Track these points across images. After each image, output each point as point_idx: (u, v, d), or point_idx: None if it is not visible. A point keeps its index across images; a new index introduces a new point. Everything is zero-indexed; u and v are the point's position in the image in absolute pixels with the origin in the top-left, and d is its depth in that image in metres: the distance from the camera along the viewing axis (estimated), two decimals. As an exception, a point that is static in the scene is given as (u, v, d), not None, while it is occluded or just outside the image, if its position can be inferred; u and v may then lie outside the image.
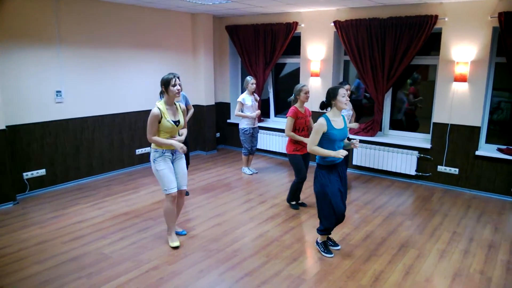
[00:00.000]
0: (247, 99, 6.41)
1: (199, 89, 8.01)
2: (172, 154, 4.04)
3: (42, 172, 5.79)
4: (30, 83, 5.54)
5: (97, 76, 6.31)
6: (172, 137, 3.99)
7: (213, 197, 5.62)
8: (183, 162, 4.17)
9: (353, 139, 4.02)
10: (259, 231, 4.55)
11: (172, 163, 4.07)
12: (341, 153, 3.57)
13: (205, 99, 8.03)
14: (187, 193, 5.67)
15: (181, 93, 5.27)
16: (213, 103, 8.24)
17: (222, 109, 8.59)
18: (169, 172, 3.99)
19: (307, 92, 4.90)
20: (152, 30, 7.05)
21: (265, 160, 7.73)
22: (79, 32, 5.99)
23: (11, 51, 5.30)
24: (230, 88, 8.45)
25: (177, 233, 4.38)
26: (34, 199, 5.51)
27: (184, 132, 4.21)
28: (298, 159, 4.99)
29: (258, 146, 7.94)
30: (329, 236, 4.15)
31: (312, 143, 3.71)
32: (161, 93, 3.98)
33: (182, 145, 3.91)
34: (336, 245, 4.15)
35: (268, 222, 4.80)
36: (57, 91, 5.82)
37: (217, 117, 8.47)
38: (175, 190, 4.04)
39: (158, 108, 3.88)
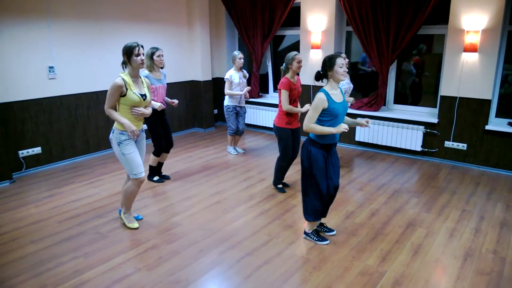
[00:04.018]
0: (235, 76, 6.01)
1: (195, 64, 7.77)
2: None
3: (37, 150, 5.67)
4: (21, 59, 5.34)
5: (90, 51, 6.09)
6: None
7: (212, 175, 5.48)
8: (144, 141, 3.90)
9: (363, 118, 3.66)
10: (259, 209, 4.42)
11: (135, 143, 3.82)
12: (343, 127, 3.28)
13: (202, 74, 7.79)
14: (168, 177, 5.36)
15: (162, 71, 5.00)
16: (210, 79, 8.01)
17: (220, 85, 8.31)
18: (136, 155, 3.72)
19: (300, 61, 4.47)
20: (146, 2, 6.77)
21: (264, 137, 7.56)
22: (70, 5, 5.74)
23: (0, 26, 5.08)
24: (227, 63, 8.18)
25: (139, 217, 4.21)
26: (30, 178, 5.41)
27: (149, 110, 3.84)
28: (288, 134, 4.62)
29: (257, 123, 7.81)
30: (322, 222, 3.90)
31: (310, 121, 3.33)
32: (124, 63, 3.62)
33: (134, 128, 3.58)
34: (331, 230, 3.87)
35: (269, 200, 4.66)
36: (50, 67, 5.63)
37: (214, 93, 8.23)
38: (144, 174, 3.79)
39: (122, 78, 3.53)
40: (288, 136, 4.64)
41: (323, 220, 3.96)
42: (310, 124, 3.34)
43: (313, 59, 6.81)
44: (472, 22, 5.31)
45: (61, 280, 3.14)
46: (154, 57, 4.78)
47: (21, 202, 4.63)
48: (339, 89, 3.48)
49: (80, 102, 6.07)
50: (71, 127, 6.02)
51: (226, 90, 6.04)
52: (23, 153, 5.51)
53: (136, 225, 3.98)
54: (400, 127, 6.14)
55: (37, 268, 3.31)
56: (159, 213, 4.34)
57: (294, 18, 7.12)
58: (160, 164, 5.28)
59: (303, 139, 5.00)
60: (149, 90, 3.83)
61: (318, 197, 3.53)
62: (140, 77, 3.75)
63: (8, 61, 5.21)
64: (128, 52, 3.53)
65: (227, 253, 3.52)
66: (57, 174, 5.53)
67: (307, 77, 6.73)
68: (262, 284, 3.09)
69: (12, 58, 5.25)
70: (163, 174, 5.40)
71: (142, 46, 3.60)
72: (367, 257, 3.46)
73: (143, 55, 3.60)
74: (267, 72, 8.03)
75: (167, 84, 5.24)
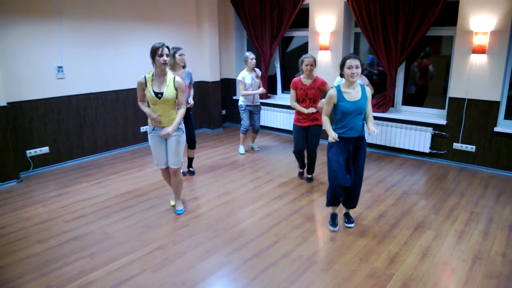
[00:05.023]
0: (247, 77, 6.08)
1: (203, 64, 7.78)
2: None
3: (45, 149, 5.69)
4: (30, 58, 5.38)
5: (99, 51, 6.12)
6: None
7: (220, 176, 5.47)
8: (172, 139, 4.01)
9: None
10: (267, 210, 4.40)
11: (165, 140, 4.07)
12: (332, 137, 3.46)
13: (210, 75, 7.80)
14: (193, 172, 5.53)
15: (186, 69, 5.08)
16: (219, 79, 8.01)
17: (228, 85, 8.35)
18: (154, 148, 4.08)
19: (307, 64, 4.69)
20: (155, 2, 6.79)
21: (272, 137, 7.54)
22: (80, 5, 5.77)
23: (10, 26, 5.13)
24: (236, 64, 8.18)
25: (176, 212, 4.35)
26: (37, 177, 5.43)
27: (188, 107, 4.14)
28: (296, 130, 5.00)
29: (265, 124, 7.79)
30: (347, 212, 4.06)
31: (324, 112, 3.72)
32: (152, 63, 3.83)
33: (154, 116, 3.86)
34: (350, 222, 4.01)
35: (277, 201, 4.65)
36: (59, 67, 5.66)
37: (222, 94, 8.23)
38: (162, 166, 4.16)
39: (145, 76, 3.84)
40: (296, 131, 5.01)
41: (345, 211, 4.10)
42: (323, 116, 3.73)
43: (321, 60, 6.78)
44: (481, 23, 5.27)
45: (67, 280, 3.14)
46: (176, 55, 4.85)
47: (28, 201, 4.65)
48: (361, 87, 3.60)
49: (88, 102, 6.10)
50: (79, 127, 6.05)
51: (242, 92, 6.11)
52: (30, 152, 5.54)
53: (172, 202, 4.48)
54: (408, 128, 6.10)
55: (43, 268, 3.31)
56: (166, 213, 4.34)
57: (302, 19, 7.10)
58: (189, 159, 5.53)
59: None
60: (177, 89, 3.88)
61: (330, 183, 3.79)
62: (167, 75, 3.85)
63: (17, 61, 5.25)
64: (153, 53, 3.73)
65: (234, 254, 3.51)
66: (65, 174, 5.55)
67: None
68: (269, 286, 3.07)
69: (21, 57, 5.28)
70: (189, 169, 5.58)
71: (167, 47, 3.77)
72: (375, 259, 3.43)
73: (167, 55, 3.75)
74: (275, 73, 8.01)
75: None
